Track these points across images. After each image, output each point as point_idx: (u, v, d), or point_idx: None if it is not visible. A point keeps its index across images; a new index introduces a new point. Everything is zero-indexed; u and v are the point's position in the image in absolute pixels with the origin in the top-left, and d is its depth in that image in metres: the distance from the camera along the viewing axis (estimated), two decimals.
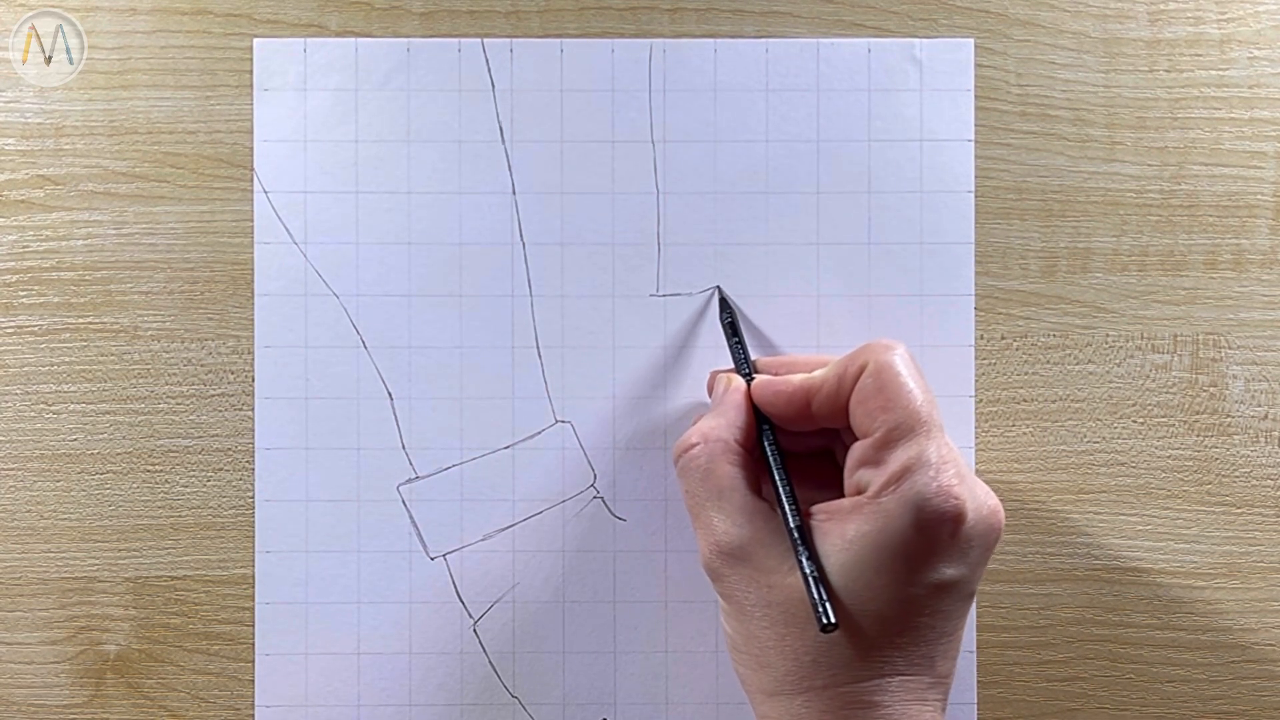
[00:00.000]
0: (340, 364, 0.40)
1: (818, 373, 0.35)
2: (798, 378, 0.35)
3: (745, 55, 0.40)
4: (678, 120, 0.40)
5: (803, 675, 0.32)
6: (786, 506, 0.33)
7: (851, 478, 0.33)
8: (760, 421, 0.36)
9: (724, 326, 0.39)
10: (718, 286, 0.40)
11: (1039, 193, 0.40)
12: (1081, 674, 0.40)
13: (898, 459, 0.32)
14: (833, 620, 0.31)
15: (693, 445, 0.35)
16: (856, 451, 0.33)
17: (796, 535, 0.33)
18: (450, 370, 0.40)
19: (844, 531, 0.32)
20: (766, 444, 0.35)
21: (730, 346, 0.38)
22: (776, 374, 0.36)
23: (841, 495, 0.34)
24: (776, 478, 0.34)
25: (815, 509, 0.33)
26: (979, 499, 0.32)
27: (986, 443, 0.40)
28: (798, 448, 0.36)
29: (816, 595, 0.31)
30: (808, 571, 0.32)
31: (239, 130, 0.40)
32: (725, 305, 0.39)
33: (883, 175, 0.40)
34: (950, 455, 0.32)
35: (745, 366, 0.37)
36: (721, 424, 0.35)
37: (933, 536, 0.31)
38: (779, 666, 0.33)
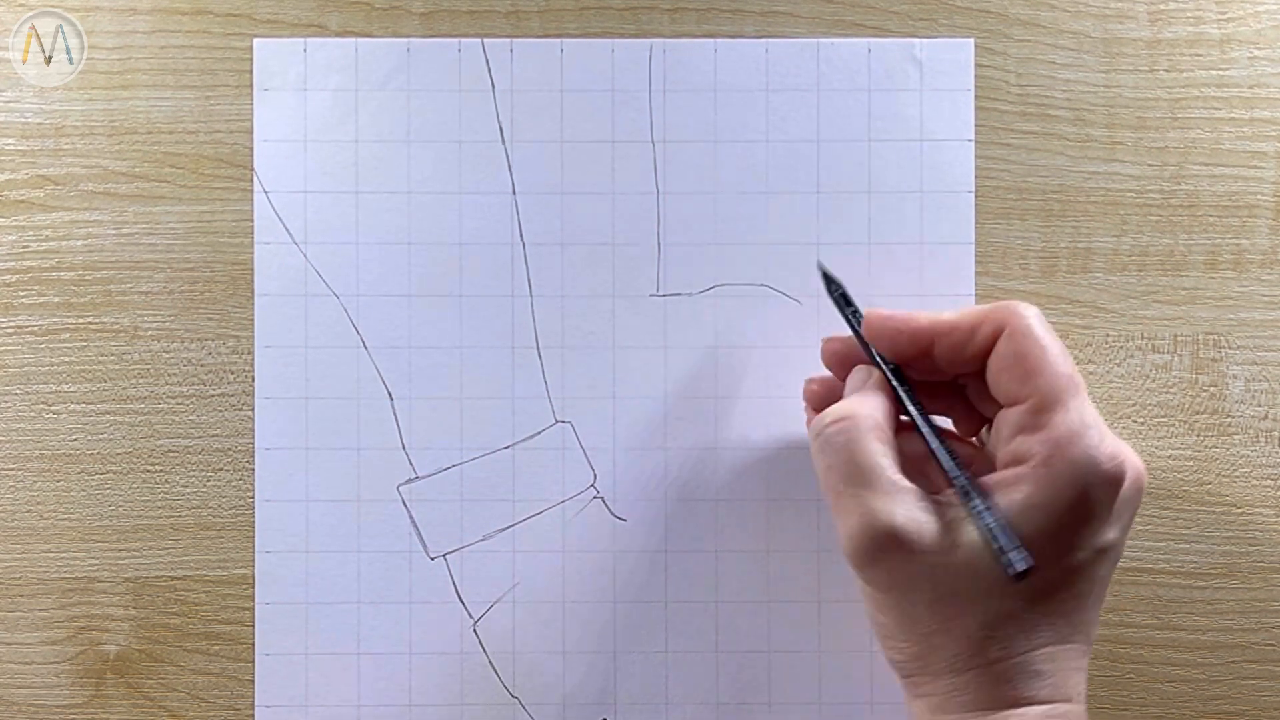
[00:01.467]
0: (340, 364, 0.40)
1: (945, 316, 0.34)
2: (922, 317, 0.34)
3: (745, 55, 0.40)
4: (678, 120, 0.40)
5: (973, 652, 0.32)
6: (945, 460, 0.33)
7: (1008, 446, 0.32)
8: (900, 385, 0.34)
9: (835, 299, 0.37)
10: (819, 261, 0.38)
11: (1039, 193, 0.40)
12: None
13: (1061, 423, 0.31)
14: (1030, 563, 0.30)
15: (838, 420, 0.33)
16: (1011, 419, 0.32)
17: (966, 485, 0.32)
18: (450, 370, 0.40)
19: (1011, 502, 0.31)
20: (909, 404, 0.34)
21: (846, 318, 0.36)
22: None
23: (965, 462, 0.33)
24: (928, 433, 0.33)
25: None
26: (1132, 458, 0.32)
27: None
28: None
29: (1004, 541, 0.30)
30: (992, 522, 0.31)
31: (239, 130, 0.40)
32: (830, 278, 0.37)
33: (883, 175, 0.40)
34: (1098, 416, 0.32)
35: (863, 342, 0.36)
36: (868, 403, 0.34)
37: (1100, 500, 0.31)
38: (947, 648, 0.32)
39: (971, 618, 0.32)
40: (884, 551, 0.32)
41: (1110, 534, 0.32)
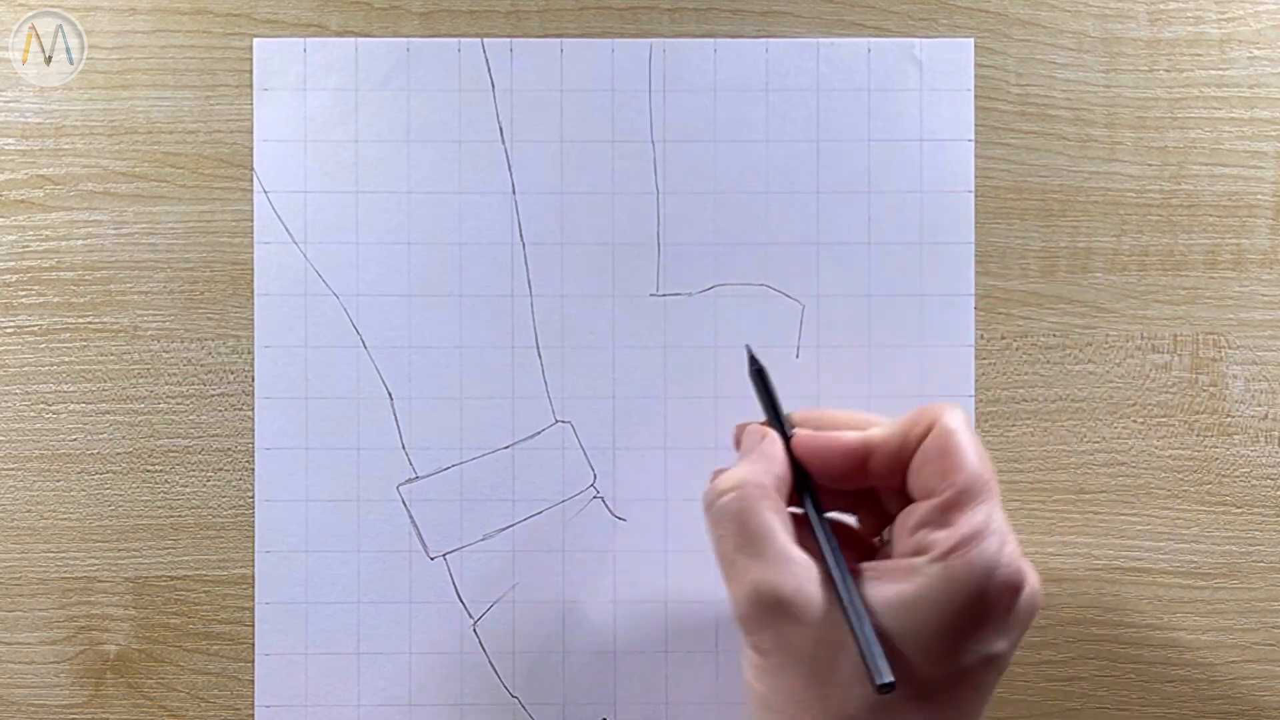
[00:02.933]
0: (340, 364, 0.40)
1: (875, 431, 0.33)
2: (853, 435, 0.34)
3: (745, 55, 0.40)
4: (678, 120, 0.40)
5: None
6: (833, 562, 0.32)
7: (910, 538, 0.32)
8: (802, 476, 0.34)
9: (753, 377, 0.36)
10: (747, 345, 0.37)
11: (1039, 193, 0.40)
12: (1081, 674, 0.40)
13: (967, 522, 0.31)
14: (891, 679, 0.30)
15: (728, 490, 0.33)
16: (919, 511, 0.32)
17: (848, 591, 0.31)
18: (450, 370, 0.40)
19: (901, 593, 0.31)
20: (808, 499, 0.34)
21: (761, 400, 0.36)
22: (817, 429, 0.35)
23: (865, 556, 0.33)
24: (820, 533, 0.33)
25: (864, 567, 0.32)
26: (1031, 573, 0.32)
27: (987, 443, 0.40)
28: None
29: (872, 653, 0.30)
30: (862, 631, 0.30)
31: (239, 130, 0.40)
32: (754, 358, 0.37)
33: (883, 175, 0.40)
34: (1008, 525, 0.31)
35: (779, 420, 0.35)
36: (758, 470, 0.33)
37: (994, 606, 0.31)
38: None
39: (846, 699, 0.31)
40: (767, 620, 0.32)
41: (1000, 644, 0.31)
